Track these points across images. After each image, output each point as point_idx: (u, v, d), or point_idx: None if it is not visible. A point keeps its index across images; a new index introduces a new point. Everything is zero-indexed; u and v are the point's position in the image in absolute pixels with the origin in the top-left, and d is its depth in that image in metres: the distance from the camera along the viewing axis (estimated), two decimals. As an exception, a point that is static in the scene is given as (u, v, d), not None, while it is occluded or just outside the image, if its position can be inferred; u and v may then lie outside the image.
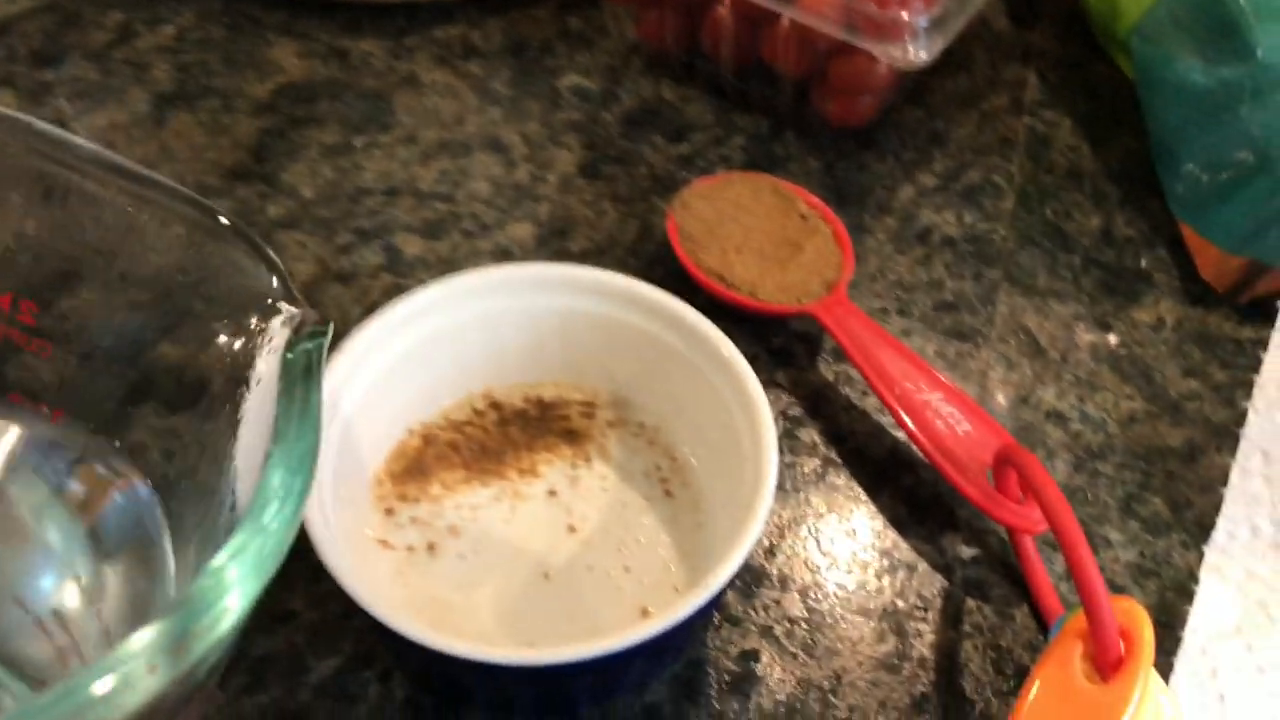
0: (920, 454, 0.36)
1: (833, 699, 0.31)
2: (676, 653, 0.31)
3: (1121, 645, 0.28)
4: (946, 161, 0.47)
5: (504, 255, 0.41)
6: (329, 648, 0.31)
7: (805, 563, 0.34)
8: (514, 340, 0.34)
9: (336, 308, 0.40)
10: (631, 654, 0.26)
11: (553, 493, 0.33)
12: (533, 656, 0.25)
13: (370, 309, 0.39)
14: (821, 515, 0.35)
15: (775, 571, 0.34)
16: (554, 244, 0.42)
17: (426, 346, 0.32)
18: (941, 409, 0.35)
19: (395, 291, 0.38)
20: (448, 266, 0.41)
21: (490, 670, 0.26)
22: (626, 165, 0.45)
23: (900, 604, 0.33)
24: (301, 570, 0.27)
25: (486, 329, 0.33)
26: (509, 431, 0.34)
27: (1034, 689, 0.28)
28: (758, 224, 0.40)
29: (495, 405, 0.35)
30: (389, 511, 0.32)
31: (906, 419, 0.35)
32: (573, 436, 0.34)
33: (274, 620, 0.32)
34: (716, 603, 0.28)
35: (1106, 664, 0.28)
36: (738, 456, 0.30)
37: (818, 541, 0.35)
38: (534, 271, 0.33)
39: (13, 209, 0.27)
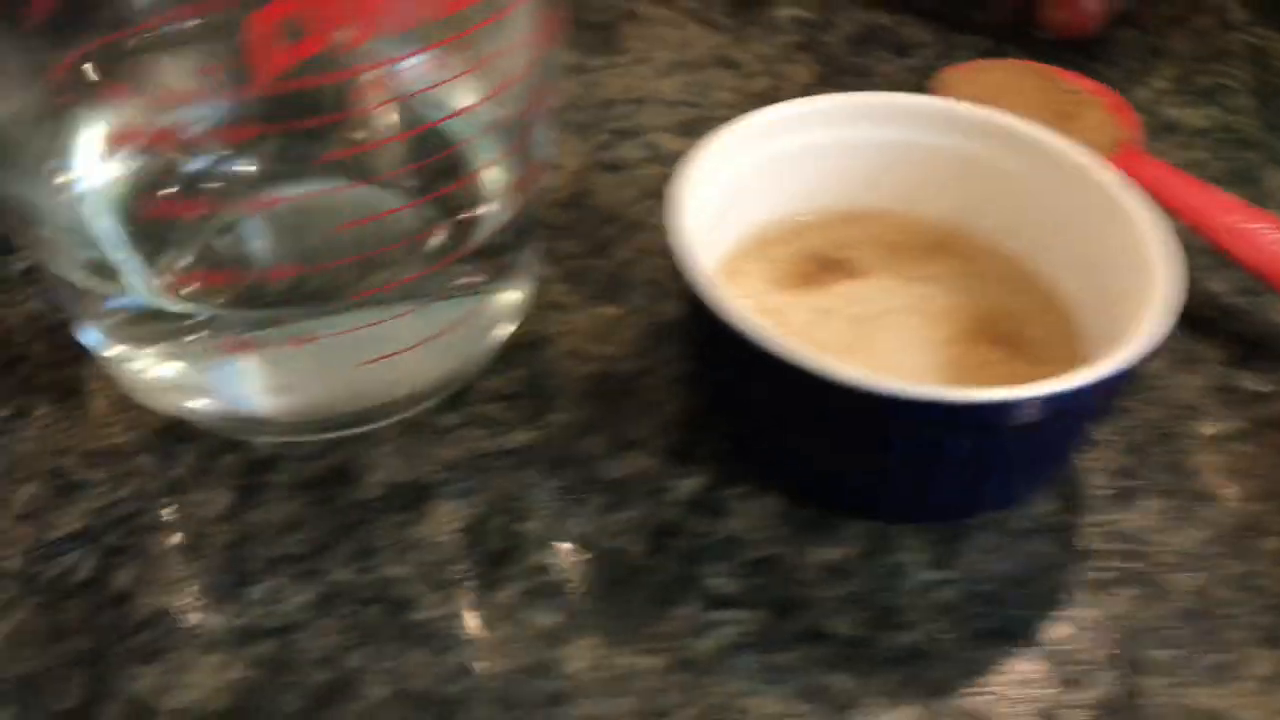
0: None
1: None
2: (1099, 419, 0.30)
3: None
4: (1174, 69, 0.47)
5: (764, 148, 0.41)
6: (683, 470, 0.30)
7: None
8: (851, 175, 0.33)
9: (609, 193, 0.39)
10: (1083, 398, 0.24)
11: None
12: (981, 394, 0.24)
13: (642, 194, 0.39)
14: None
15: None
16: (810, 139, 0.42)
17: (779, 163, 0.32)
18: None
19: (664, 180, 0.37)
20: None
21: (913, 432, 0.24)
22: (861, 76, 0.45)
23: None
24: (637, 406, 0.31)
25: (839, 154, 0.33)
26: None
27: None
28: (1025, 101, 0.40)
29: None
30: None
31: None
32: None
33: (619, 448, 0.31)
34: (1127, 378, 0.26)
35: None
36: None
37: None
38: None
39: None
